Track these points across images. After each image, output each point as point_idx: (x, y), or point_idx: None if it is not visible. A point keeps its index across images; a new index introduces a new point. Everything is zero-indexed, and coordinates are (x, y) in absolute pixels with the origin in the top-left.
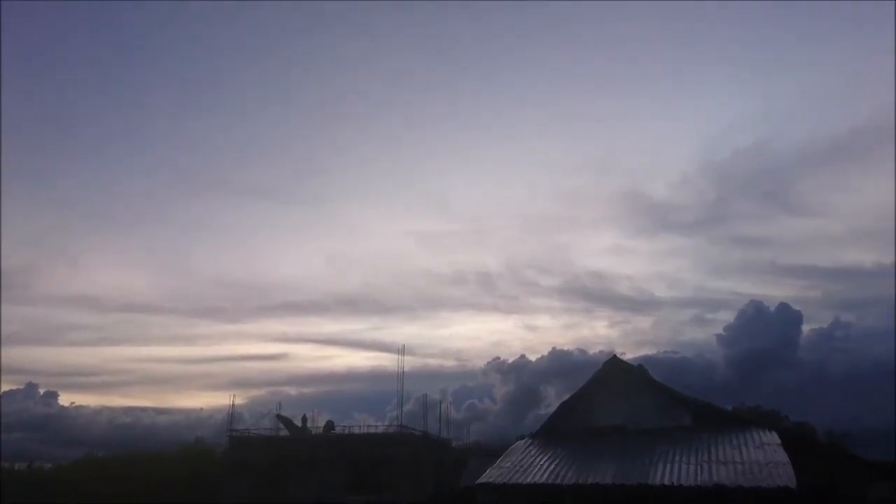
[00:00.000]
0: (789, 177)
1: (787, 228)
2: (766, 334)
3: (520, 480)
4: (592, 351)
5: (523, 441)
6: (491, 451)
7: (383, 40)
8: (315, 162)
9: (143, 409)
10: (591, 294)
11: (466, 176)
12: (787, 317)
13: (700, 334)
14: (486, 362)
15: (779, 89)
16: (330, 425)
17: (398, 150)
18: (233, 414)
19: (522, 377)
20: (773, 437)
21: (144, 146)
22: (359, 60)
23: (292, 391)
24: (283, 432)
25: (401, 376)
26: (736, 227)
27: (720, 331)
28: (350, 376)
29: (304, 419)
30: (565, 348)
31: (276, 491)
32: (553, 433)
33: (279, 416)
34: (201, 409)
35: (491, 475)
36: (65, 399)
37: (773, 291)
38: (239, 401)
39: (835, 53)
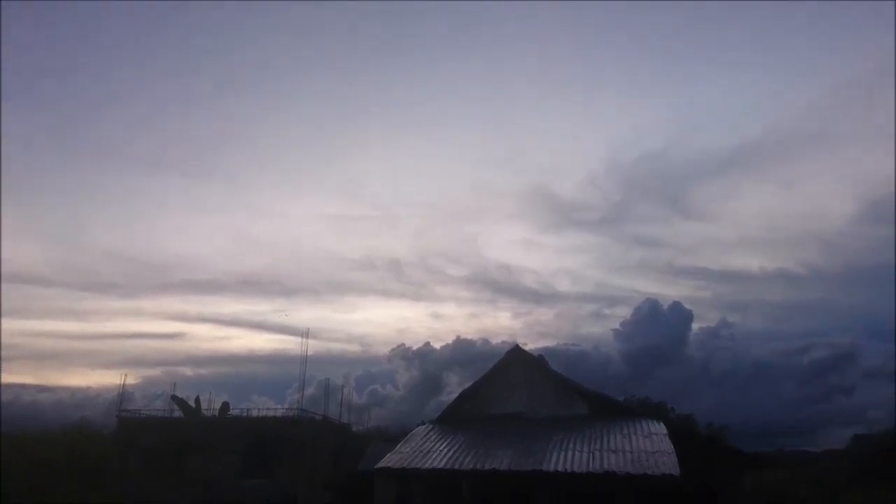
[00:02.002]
0: (688, 183)
1: (683, 232)
2: (659, 331)
3: (418, 465)
4: (495, 341)
5: (423, 426)
6: (391, 437)
7: (298, 15)
8: (219, 136)
9: (24, 387)
10: (497, 285)
11: (378, 162)
12: (679, 315)
13: (598, 328)
14: (390, 349)
15: (684, 99)
16: (225, 407)
17: (308, 130)
18: (123, 394)
19: (426, 364)
20: (660, 428)
21: (35, 108)
22: (273, 35)
23: (189, 372)
24: (178, 414)
25: (304, 360)
26: (637, 228)
27: (617, 326)
28: (251, 358)
29: (198, 400)
30: (469, 337)
31: (168, 474)
32: (453, 419)
33: (174, 398)
34: (88, 388)
35: (390, 460)
36: None
37: (668, 290)
38: (131, 380)
39: (738, 68)
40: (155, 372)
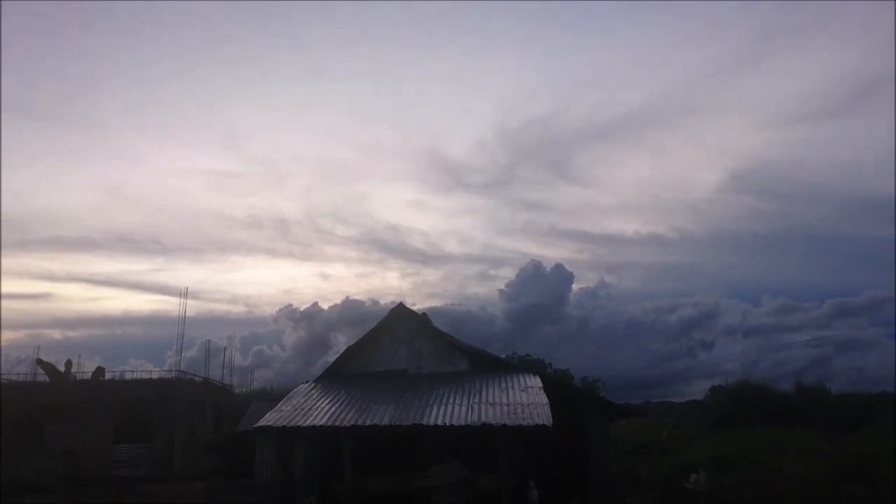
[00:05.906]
0: (571, 149)
1: (566, 196)
2: (541, 291)
3: (299, 423)
4: (384, 301)
5: (306, 385)
6: (276, 397)
7: None
8: (89, 80)
9: None
10: (386, 246)
11: (262, 117)
12: (561, 276)
13: (484, 289)
14: (277, 309)
15: (569, 67)
16: (99, 372)
17: (186, 80)
18: None
19: (314, 325)
20: (536, 382)
21: None
22: None
23: (57, 334)
24: (44, 378)
25: (182, 320)
26: (523, 192)
27: (502, 286)
28: (127, 320)
29: (69, 364)
30: (358, 298)
31: (33, 442)
32: (337, 377)
33: (39, 361)
34: None
35: (270, 418)
36: None
37: (551, 252)
38: None
39: (620, 40)
40: (18, 335)
